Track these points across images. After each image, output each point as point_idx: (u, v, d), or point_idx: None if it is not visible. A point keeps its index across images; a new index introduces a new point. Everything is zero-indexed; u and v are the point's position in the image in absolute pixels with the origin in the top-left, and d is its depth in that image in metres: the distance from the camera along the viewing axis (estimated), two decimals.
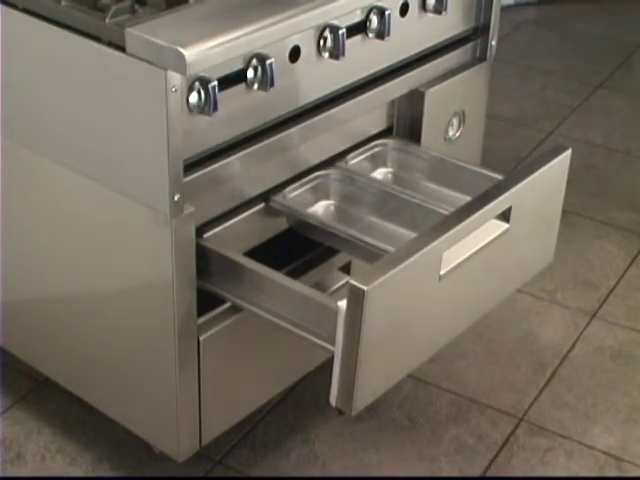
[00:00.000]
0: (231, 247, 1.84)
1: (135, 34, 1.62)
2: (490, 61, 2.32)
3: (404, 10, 2.03)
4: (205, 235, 1.83)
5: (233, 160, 1.80)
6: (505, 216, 1.83)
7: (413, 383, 2.40)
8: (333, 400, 1.69)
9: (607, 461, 2.23)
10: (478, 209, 1.75)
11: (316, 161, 2.02)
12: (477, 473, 2.19)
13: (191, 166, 1.74)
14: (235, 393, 2.01)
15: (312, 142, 1.96)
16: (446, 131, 2.26)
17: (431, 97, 2.15)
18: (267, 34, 1.69)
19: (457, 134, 2.30)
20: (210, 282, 1.84)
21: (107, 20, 1.67)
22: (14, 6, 1.79)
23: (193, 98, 1.66)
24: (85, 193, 1.86)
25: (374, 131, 2.14)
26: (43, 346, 2.15)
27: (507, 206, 1.82)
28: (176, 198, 1.70)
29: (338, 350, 1.64)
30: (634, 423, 2.33)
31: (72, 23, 1.72)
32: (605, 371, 2.48)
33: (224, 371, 1.95)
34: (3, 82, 1.87)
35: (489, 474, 2.19)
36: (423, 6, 2.08)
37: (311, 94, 1.92)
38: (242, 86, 1.75)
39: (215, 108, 1.67)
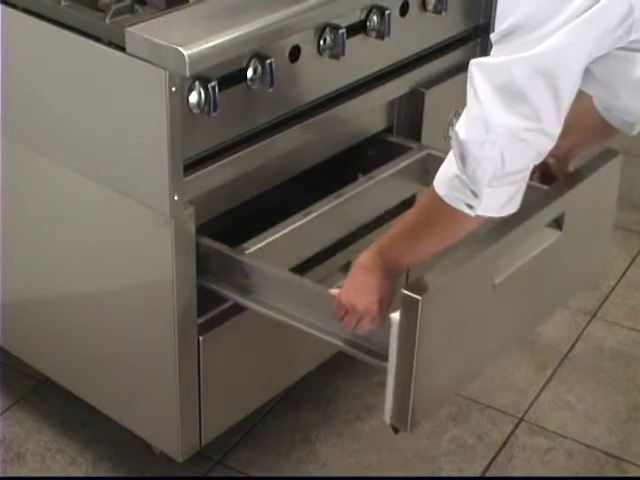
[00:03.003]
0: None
1: (135, 34, 1.62)
2: None
3: (404, 10, 2.03)
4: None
5: (233, 160, 1.80)
6: (558, 223, 1.75)
7: None
8: (387, 417, 1.60)
9: (607, 461, 2.22)
10: (531, 215, 1.67)
11: (316, 161, 2.02)
12: (477, 473, 2.19)
13: (191, 166, 1.74)
14: (235, 393, 2.00)
15: (312, 142, 1.96)
16: (446, 131, 2.26)
17: (431, 97, 2.15)
18: (267, 34, 1.70)
19: None
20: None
21: (107, 20, 1.67)
22: (14, 6, 1.79)
23: (193, 98, 1.66)
24: (85, 193, 1.86)
25: (374, 131, 2.14)
26: (43, 346, 2.15)
27: (560, 212, 1.74)
28: (176, 198, 1.70)
29: (392, 364, 1.55)
30: (634, 423, 2.32)
31: (72, 23, 1.72)
32: (605, 371, 2.47)
33: (224, 371, 1.94)
34: (3, 82, 1.86)
35: (489, 474, 2.19)
36: (423, 6, 2.08)
37: (311, 94, 1.91)
38: (242, 86, 1.74)
39: (215, 108, 1.67)
